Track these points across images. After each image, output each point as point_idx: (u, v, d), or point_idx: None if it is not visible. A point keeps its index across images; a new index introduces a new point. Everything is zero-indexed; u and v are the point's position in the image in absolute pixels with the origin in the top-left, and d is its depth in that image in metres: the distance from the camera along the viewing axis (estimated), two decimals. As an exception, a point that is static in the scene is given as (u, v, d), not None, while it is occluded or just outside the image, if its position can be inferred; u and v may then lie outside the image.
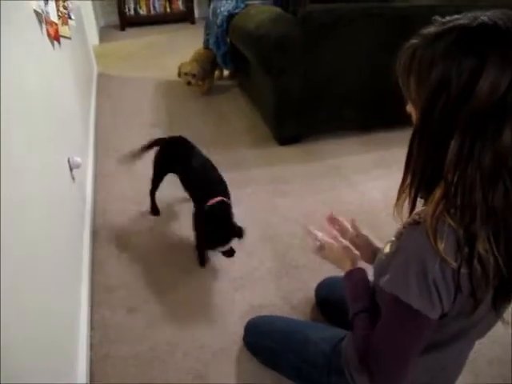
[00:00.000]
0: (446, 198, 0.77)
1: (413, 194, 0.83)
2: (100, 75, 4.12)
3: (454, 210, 0.76)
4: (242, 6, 2.97)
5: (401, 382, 0.90)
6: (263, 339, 1.45)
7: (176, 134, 2.98)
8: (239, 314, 1.69)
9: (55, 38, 2.04)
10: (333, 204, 2.24)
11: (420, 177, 0.81)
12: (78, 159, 1.94)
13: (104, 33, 5.46)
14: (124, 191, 2.43)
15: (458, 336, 0.94)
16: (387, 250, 0.93)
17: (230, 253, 1.82)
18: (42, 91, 1.64)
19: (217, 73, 3.84)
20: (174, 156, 2.13)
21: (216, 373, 1.50)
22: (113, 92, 3.77)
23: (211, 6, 3.41)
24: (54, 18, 2.01)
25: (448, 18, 0.77)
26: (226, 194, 1.89)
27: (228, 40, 3.14)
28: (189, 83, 3.45)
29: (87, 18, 4.50)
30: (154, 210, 2.27)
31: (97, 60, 4.33)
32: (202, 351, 1.57)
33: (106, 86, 3.87)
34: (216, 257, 1.92)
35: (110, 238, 2.10)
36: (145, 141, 2.91)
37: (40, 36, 1.81)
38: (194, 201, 1.97)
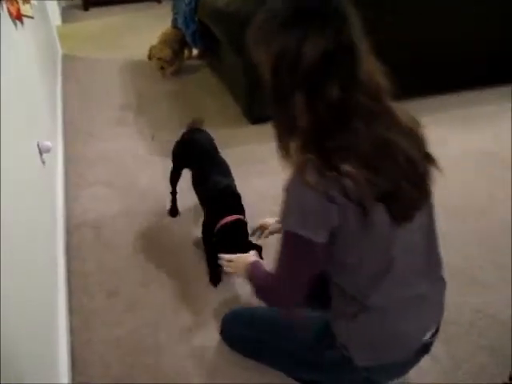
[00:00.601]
0: (303, 140, 0.94)
1: (283, 144, 0.99)
2: (64, 57, 4.00)
3: (314, 149, 0.91)
4: (211, -18, 2.90)
5: (297, 298, 1.10)
6: (245, 330, 1.42)
7: (146, 115, 2.96)
8: (219, 293, 1.70)
9: (17, 17, 1.96)
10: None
11: (282, 128, 0.99)
12: (48, 143, 1.88)
13: (67, 13, 5.26)
14: (96, 174, 2.38)
15: (378, 276, 1.03)
16: None
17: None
18: (6, 73, 1.57)
19: (186, 52, 3.77)
20: (190, 150, 1.97)
21: (202, 355, 1.51)
22: (79, 74, 3.66)
23: (178, -16, 3.33)
24: (15, -4, 1.92)
25: None
26: (241, 210, 1.74)
27: (197, 18, 3.08)
28: (161, 68, 3.42)
29: (48, -3, 4.33)
30: (173, 211, 2.10)
31: (60, 41, 4.18)
32: (184, 333, 1.57)
33: (71, 68, 3.75)
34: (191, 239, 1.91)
35: (83, 223, 2.06)
36: (114, 123, 2.87)
37: (1, 15, 1.73)
38: (206, 214, 1.81)
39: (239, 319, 1.47)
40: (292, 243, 0.99)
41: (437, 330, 1.18)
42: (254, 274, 1.27)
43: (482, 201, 2.12)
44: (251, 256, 1.40)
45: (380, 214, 0.93)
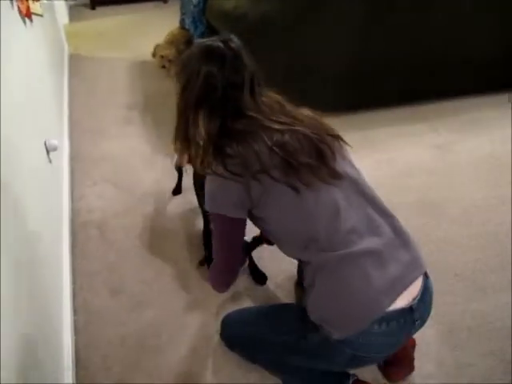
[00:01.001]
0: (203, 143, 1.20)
1: (180, 149, 1.34)
2: (71, 55, 4.00)
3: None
4: (219, -17, 2.90)
5: (232, 269, 1.33)
6: (238, 328, 1.45)
7: (152, 115, 2.96)
8: (226, 294, 1.69)
9: (27, 15, 1.97)
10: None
11: (181, 137, 1.30)
12: (55, 141, 1.89)
13: (74, 12, 5.27)
14: (101, 173, 2.39)
15: (307, 234, 1.15)
16: None
17: (261, 278, 1.76)
18: (16, 71, 1.58)
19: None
20: None
21: (201, 355, 1.51)
22: (86, 73, 3.66)
23: (186, -15, 3.33)
24: (25, -6, 1.93)
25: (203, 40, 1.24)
26: None
27: (205, 20, 3.07)
28: (163, 66, 3.42)
29: (56, -5, 4.34)
30: (177, 190, 2.22)
31: (67, 40, 4.19)
32: (187, 333, 1.57)
33: (78, 67, 3.76)
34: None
35: (89, 222, 2.06)
36: (121, 122, 2.87)
37: (11, 13, 1.73)
38: (205, 212, 1.76)
39: (237, 320, 1.49)
40: (216, 222, 1.25)
41: (422, 298, 1.13)
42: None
43: (485, 205, 2.11)
44: None
45: (280, 186, 1.13)
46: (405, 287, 1.11)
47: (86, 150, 2.58)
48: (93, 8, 5.45)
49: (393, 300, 1.09)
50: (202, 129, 1.19)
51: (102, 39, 4.50)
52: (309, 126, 1.22)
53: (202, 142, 1.19)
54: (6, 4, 1.67)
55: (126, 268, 1.82)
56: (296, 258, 1.29)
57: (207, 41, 1.21)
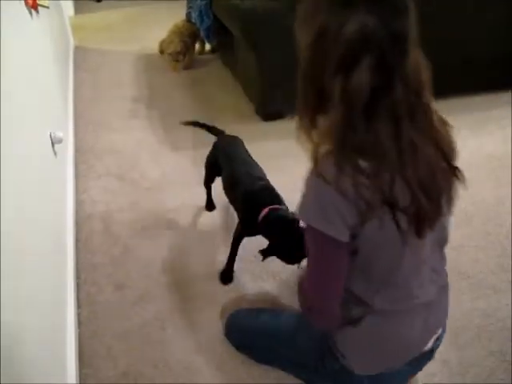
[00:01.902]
0: (326, 129, 0.88)
1: (306, 129, 0.92)
2: (77, 47, 3.99)
3: (336, 140, 0.87)
4: (227, -23, 2.88)
5: (332, 310, 1.03)
6: (249, 337, 1.42)
7: (157, 108, 2.96)
8: (230, 289, 1.69)
9: (33, 6, 1.96)
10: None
11: (308, 110, 0.93)
12: (60, 134, 1.88)
13: (79, 4, 5.26)
14: (106, 166, 2.38)
15: (387, 280, 1.01)
16: None
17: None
18: (20, 62, 1.57)
19: (198, 47, 3.76)
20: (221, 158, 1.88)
21: (205, 349, 1.50)
22: (91, 65, 3.66)
23: (193, -22, 3.32)
24: (31, -15, 1.92)
25: None
26: (280, 201, 1.62)
27: (212, 13, 3.06)
28: (177, 61, 3.43)
29: (62, -13, 4.33)
30: (209, 205, 2.08)
31: (73, 32, 4.18)
32: (191, 328, 1.57)
33: (83, 59, 3.75)
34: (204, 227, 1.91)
35: (93, 215, 2.06)
36: (126, 115, 2.87)
37: (18, 4, 1.73)
38: (243, 211, 1.70)
39: (242, 324, 1.47)
40: (313, 237, 0.95)
41: (440, 336, 1.16)
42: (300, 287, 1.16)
43: (490, 204, 2.09)
44: None
45: (389, 221, 0.89)
46: (437, 329, 1.14)
47: (90, 143, 2.58)
48: (98, 0, 5.44)
49: (427, 343, 1.12)
50: (334, 103, 0.84)
51: (108, 32, 4.49)
52: (440, 149, 0.92)
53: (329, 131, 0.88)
54: (12, -5, 1.66)
55: (131, 262, 1.82)
56: (354, 294, 1.04)
57: None
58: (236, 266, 1.73)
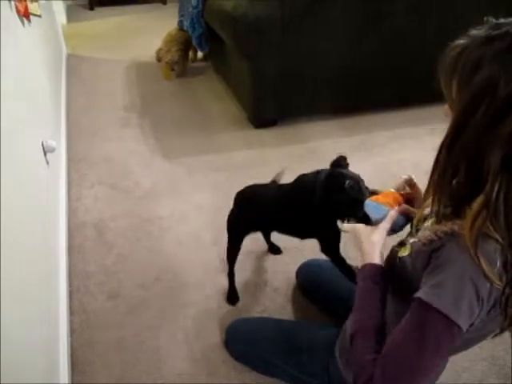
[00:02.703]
0: (485, 211, 0.72)
1: (437, 205, 0.80)
2: (69, 56, 4.00)
3: (496, 224, 0.72)
4: (218, -15, 2.90)
5: None
6: (251, 348, 1.38)
7: (150, 117, 2.96)
8: (222, 296, 1.69)
9: (25, 15, 1.97)
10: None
11: (447, 188, 0.78)
12: (53, 142, 1.88)
13: (72, 12, 5.28)
14: (98, 175, 2.38)
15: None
16: (405, 252, 0.89)
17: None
18: (14, 71, 1.57)
19: (191, 54, 3.78)
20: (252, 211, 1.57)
21: (202, 357, 1.50)
22: (83, 74, 3.66)
23: (185, -14, 3.34)
24: (23, -6, 1.93)
25: (502, 21, 0.74)
26: None
27: (203, 21, 3.08)
28: (172, 69, 3.51)
29: (54, -5, 4.33)
30: (232, 296, 1.69)
31: (65, 40, 4.19)
32: (185, 336, 1.57)
33: (76, 67, 3.75)
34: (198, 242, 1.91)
35: (85, 223, 2.05)
36: (118, 124, 2.87)
37: (9, 13, 1.73)
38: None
39: (242, 334, 1.45)
40: (433, 322, 0.76)
41: None
42: (362, 297, 0.95)
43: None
44: (374, 244, 0.99)
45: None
46: None
47: (83, 152, 2.58)
48: (91, 9, 5.47)
49: None
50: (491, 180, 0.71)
51: (100, 40, 4.51)
52: None
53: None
54: (4, 4, 1.66)
55: (124, 271, 1.81)
56: None
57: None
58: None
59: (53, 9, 3.92)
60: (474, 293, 0.73)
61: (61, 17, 4.69)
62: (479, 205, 0.73)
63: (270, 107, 2.75)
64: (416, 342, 0.77)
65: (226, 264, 1.67)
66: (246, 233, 1.59)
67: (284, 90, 2.68)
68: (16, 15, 1.82)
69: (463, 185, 0.77)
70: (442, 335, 0.75)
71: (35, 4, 2.22)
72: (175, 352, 1.51)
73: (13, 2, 1.77)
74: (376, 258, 0.96)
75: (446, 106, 0.83)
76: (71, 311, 1.64)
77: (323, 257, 1.36)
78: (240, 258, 1.67)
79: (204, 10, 3.00)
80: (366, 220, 1.04)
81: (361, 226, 1.03)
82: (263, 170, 2.39)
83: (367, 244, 0.98)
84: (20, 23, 1.88)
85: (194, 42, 3.33)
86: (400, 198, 1.07)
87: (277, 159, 2.49)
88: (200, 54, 3.85)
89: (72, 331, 1.57)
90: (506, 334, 0.83)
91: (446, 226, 0.77)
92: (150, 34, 4.24)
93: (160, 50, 3.52)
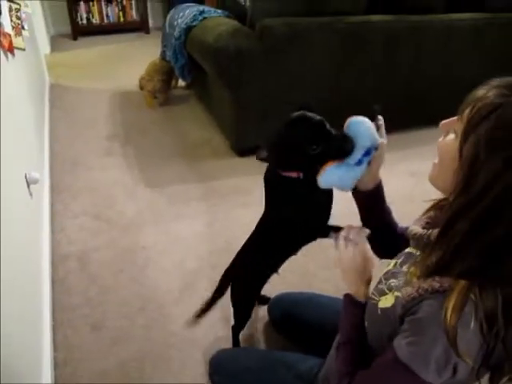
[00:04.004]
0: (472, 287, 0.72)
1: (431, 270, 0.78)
2: (52, 86, 4.02)
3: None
4: (201, 18, 2.97)
5: None
6: (234, 380, 1.36)
7: (133, 146, 2.98)
8: (206, 326, 1.69)
9: (9, 49, 1.99)
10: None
11: (445, 259, 0.77)
12: (36, 174, 1.89)
13: (55, 42, 5.32)
14: (82, 205, 2.38)
15: None
16: (385, 304, 0.89)
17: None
18: (-3, 105, 1.59)
19: (173, 82, 3.83)
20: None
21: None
22: (66, 103, 3.68)
23: (167, 18, 3.40)
24: (7, 29, 1.95)
25: None
26: None
27: (186, 53, 3.13)
28: (155, 97, 3.58)
29: (37, 25, 4.37)
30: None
31: (48, 70, 4.21)
32: (170, 365, 1.56)
33: (59, 97, 3.77)
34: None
35: (69, 255, 2.04)
36: (101, 154, 2.88)
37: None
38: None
39: (226, 366, 1.42)
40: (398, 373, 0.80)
41: None
42: (343, 324, 1.01)
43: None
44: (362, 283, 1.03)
45: None
46: None
47: (66, 182, 2.58)
48: (75, 38, 5.51)
49: None
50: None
51: (84, 69, 4.54)
52: None
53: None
54: (-12, 40, 1.69)
55: (108, 302, 1.81)
56: None
57: None
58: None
59: (36, 39, 3.95)
60: (444, 362, 0.73)
61: (44, 47, 4.73)
62: (464, 284, 0.73)
63: (252, 135, 2.80)
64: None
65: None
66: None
67: (266, 118, 2.73)
68: (0, 50, 1.84)
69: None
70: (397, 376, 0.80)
71: (19, 38, 2.24)
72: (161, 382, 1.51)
73: (-3, 38, 1.79)
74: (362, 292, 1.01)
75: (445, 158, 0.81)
76: (55, 345, 1.62)
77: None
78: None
79: (186, 42, 3.05)
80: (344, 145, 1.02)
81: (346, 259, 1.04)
82: (247, 199, 2.43)
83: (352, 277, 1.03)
84: (4, 57, 1.90)
85: (177, 73, 3.38)
86: None
87: (260, 187, 2.50)
88: (182, 82, 3.90)
89: (56, 365, 1.55)
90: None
91: (426, 283, 0.77)
92: (133, 63, 4.28)
93: (142, 78, 3.56)
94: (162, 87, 3.52)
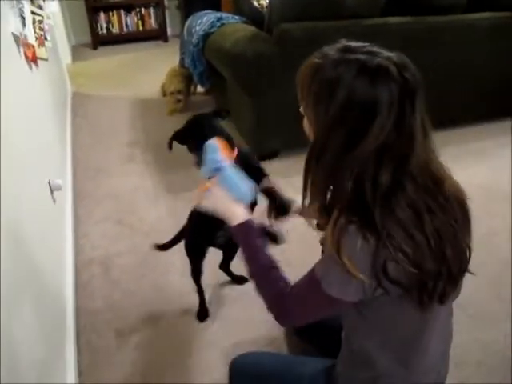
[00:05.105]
0: (343, 215, 0.84)
1: (313, 210, 0.92)
2: (74, 94, 4.09)
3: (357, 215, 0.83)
4: (218, 24, 3.00)
5: (300, 322, 1.13)
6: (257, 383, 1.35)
7: (154, 153, 3.01)
8: (228, 330, 1.70)
9: (32, 60, 2.03)
10: (314, 218, 2.28)
11: (318, 194, 0.90)
12: (59, 181, 1.92)
13: (76, 51, 5.42)
14: (104, 211, 2.41)
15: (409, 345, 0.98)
16: None
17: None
18: (20, 114, 1.63)
19: (192, 88, 3.87)
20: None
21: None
22: (88, 112, 3.74)
23: (186, 26, 3.44)
24: (31, 40, 2.00)
25: (351, 44, 0.85)
26: None
27: (204, 59, 3.16)
28: (178, 101, 3.57)
29: (59, 36, 4.46)
30: (202, 314, 1.79)
31: (70, 79, 4.30)
32: (192, 374, 1.57)
33: (80, 106, 3.84)
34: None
35: (92, 260, 2.07)
36: (123, 160, 2.92)
37: (18, 59, 1.80)
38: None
39: (247, 369, 1.39)
40: (315, 290, 0.91)
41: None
42: (251, 253, 1.08)
43: (483, 235, 2.13)
44: (237, 211, 1.11)
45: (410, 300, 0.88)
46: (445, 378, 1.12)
47: (89, 188, 2.62)
48: (95, 48, 5.61)
49: None
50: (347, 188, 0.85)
51: (104, 78, 4.61)
52: (462, 229, 0.91)
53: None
54: (14, 50, 1.73)
55: (130, 307, 1.83)
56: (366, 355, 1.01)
57: (366, 58, 0.81)
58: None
59: (58, 50, 4.03)
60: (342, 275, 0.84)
61: (66, 57, 4.82)
62: (336, 214, 0.85)
63: (271, 140, 2.81)
64: (304, 292, 0.96)
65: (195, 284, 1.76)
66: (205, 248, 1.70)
67: (285, 122, 2.73)
68: (24, 61, 1.89)
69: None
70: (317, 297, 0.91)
71: (42, 49, 2.29)
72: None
73: (21, 49, 1.84)
74: (241, 213, 1.10)
75: (305, 119, 0.93)
76: (79, 349, 1.65)
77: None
78: (244, 292, 1.68)
79: (204, 48, 3.08)
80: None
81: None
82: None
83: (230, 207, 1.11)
84: (28, 68, 1.95)
85: (196, 79, 3.41)
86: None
87: (280, 190, 2.51)
88: (201, 88, 3.94)
89: (80, 370, 1.57)
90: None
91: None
92: (153, 70, 4.34)
93: (164, 84, 3.62)
94: (183, 88, 3.54)
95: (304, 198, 0.92)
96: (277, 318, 1.04)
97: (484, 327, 1.68)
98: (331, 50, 0.86)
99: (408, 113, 0.80)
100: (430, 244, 0.83)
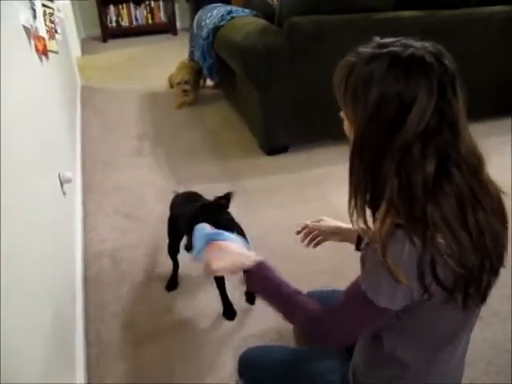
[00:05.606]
0: (390, 213, 0.82)
1: (360, 210, 0.88)
2: (84, 87, 4.10)
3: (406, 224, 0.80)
4: (228, 17, 2.98)
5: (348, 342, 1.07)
6: (264, 375, 1.34)
7: (163, 146, 3.02)
8: (235, 324, 1.70)
9: (43, 52, 2.04)
10: (324, 213, 2.25)
11: (363, 192, 0.87)
12: (69, 174, 1.93)
13: (86, 44, 5.43)
14: (113, 204, 2.42)
15: (439, 347, 0.97)
16: None
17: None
18: (31, 106, 1.63)
19: (201, 82, 3.87)
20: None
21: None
22: (97, 104, 3.75)
23: (195, 19, 3.43)
24: (42, 33, 2.00)
25: (385, 40, 0.87)
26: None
27: (214, 52, 3.15)
28: (184, 91, 3.54)
29: (69, 29, 4.47)
30: (172, 284, 1.91)
31: (80, 72, 4.31)
32: (201, 369, 1.57)
33: (90, 99, 3.85)
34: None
35: (101, 253, 2.08)
36: (132, 153, 2.92)
37: (29, 51, 1.80)
38: None
39: (256, 365, 1.39)
40: (359, 303, 0.90)
41: None
42: (271, 290, 1.09)
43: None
44: (247, 252, 1.16)
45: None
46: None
47: (98, 181, 2.63)
48: (104, 41, 5.62)
49: None
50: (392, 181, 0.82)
51: (113, 71, 4.62)
52: (501, 223, 0.90)
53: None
54: (25, 43, 1.74)
55: (139, 300, 1.83)
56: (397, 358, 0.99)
57: (398, 49, 0.83)
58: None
59: (68, 43, 4.04)
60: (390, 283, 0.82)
61: (76, 49, 4.83)
62: (383, 209, 0.83)
63: (281, 134, 2.79)
64: (347, 307, 0.95)
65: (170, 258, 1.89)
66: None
67: (295, 116, 2.73)
68: (35, 53, 1.89)
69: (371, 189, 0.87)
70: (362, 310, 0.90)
71: (53, 42, 2.29)
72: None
73: (32, 41, 1.84)
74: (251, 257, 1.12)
75: (343, 113, 0.93)
76: (88, 342, 1.65)
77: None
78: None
79: (214, 41, 3.07)
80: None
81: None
82: (275, 197, 2.43)
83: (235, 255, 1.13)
84: (38, 60, 1.95)
85: (205, 72, 3.41)
86: None
87: (289, 185, 2.51)
88: (210, 82, 3.93)
89: (88, 363, 1.58)
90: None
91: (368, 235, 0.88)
92: (162, 64, 4.34)
93: (171, 75, 3.61)
94: (190, 79, 3.52)
95: (350, 205, 0.89)
96: (318, 342, 1.08)
97: (494, 326, 1.67)
98: (365, 48, 0.88)
99: (450, 97, 0.80)
100: (473, 238, 0.82)
